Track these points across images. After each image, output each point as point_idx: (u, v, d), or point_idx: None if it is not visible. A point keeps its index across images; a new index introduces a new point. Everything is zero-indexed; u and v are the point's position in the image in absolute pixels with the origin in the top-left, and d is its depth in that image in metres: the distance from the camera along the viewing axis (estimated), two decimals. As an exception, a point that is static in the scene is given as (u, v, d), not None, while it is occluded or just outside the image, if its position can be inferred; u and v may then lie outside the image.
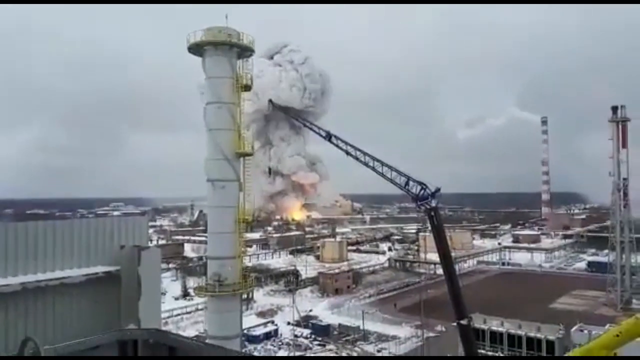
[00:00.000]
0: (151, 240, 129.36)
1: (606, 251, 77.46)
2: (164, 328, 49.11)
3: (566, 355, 35.61)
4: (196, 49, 35.04)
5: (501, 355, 42.01)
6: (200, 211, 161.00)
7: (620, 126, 66.13)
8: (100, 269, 10.07)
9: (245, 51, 35.86)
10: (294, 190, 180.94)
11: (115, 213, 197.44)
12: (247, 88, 36.30)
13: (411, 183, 35.40)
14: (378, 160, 37.58)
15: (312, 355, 52.22)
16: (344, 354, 51.81)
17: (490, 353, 42.31)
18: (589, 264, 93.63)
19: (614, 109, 66.72)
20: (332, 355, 51.91)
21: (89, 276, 9.85)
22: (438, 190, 34.86)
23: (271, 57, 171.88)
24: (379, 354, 51.40)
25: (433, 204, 34.90)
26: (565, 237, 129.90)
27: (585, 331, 38.05)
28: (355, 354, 51.54)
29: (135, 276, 9.81)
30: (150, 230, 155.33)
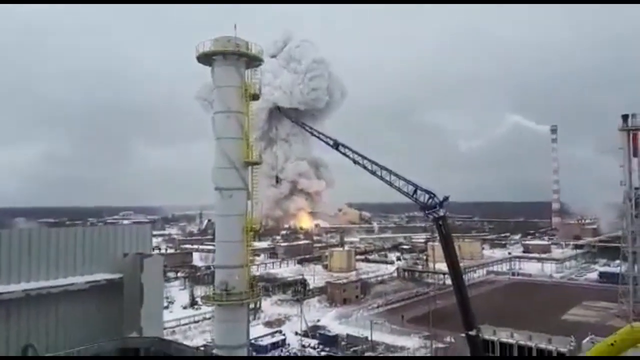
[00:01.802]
0: (160, 249, 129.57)
1: (618, 261, 76.41)
2: (171, 337, 48.93)
3: None
4: (205, 58, 35.27)
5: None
6: (209, 220, 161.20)
7: (631, 135, 65.46)
8: (103, 276, 10.04)
9: (253, 60, 36.05)
10: (300, 195, 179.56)
11: (125, 222, 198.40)
12: (256, 97, 36.43)
13: (419, 192, 35.23)
14: (385, 169, 37.44)
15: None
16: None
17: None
18: (601, 274, 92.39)
19: (624, 117, 66.10)
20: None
21: (91, 283, 9.82)
22: (446, 198, 34.67)
23: (274, 56, 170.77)
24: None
25: (441, 212, 34.69)
26: (576, 247, 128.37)
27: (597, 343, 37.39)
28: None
29: (138, 284, 9.76)
30: (159, 239, 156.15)
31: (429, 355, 50.58)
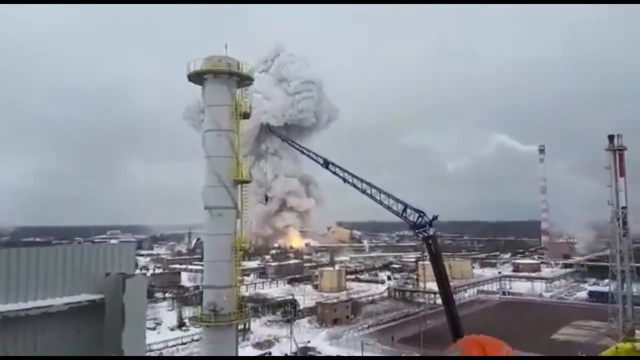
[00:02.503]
0: (148, 269, 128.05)
1: (607, 280, 76.58)
2: None
3: None
4: (196, 77, 35.44)
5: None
6: (198, 239, 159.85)
7: (617, 155, 66.23)
8: (84, 297, 9.74)
9: (244, 80, 36.26)
10: (289, 212, 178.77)
11: (112, 241, 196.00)
12: (246, 116, 36.57)
13: (409, 210, 35.23)
14: (375, 187, 37.49)
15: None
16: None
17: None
18: (590, 293, 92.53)
19: (611, 137, 66.95)
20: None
21: (71, 305, 9.51)
22: (435, 217, 34.69)
23: (263, 70, 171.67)
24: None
25: (431, 232, 34.66)
26: (566, 266, 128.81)
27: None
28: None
29: (120, 305, 9.48)
30: (147, 259, 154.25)
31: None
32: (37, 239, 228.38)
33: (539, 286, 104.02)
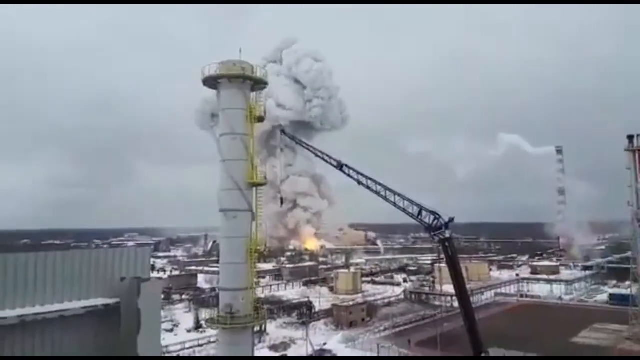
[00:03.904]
0: (165, 271, 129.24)
1: (628, 283, 75.14)
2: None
3: None
4: (211, 82, 35.75)
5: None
6: (214, 241, 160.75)
7: (637, 155, 65.01)
8: (100, 301, 9.84)
9: (258, 84, 36.48)
10: (302, 212, 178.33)
11: (130, 243, 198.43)
12: (261, 119, 36.81)
13: (424, 213, 34.96)
14: (390, 190, 37.26)
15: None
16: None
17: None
18: (611, 296, 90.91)
19: (630, 137, 65.73)
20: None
21: (88, 309, 9.61)
22: (452, 220, 34.37)
23: (275, 61, 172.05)
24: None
25: (447, 234, 34.36)
26: (585, 268, 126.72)
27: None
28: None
29: (135, 309, 9.54)
30: (165, 261, 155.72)
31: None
32: (57, 242, 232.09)
33: (558, 289, 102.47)
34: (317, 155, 44.07)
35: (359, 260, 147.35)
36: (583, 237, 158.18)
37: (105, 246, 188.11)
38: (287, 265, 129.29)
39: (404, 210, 36.02)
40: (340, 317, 77.68)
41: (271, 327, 73.64)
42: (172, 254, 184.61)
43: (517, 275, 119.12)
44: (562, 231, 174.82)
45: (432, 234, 34.75)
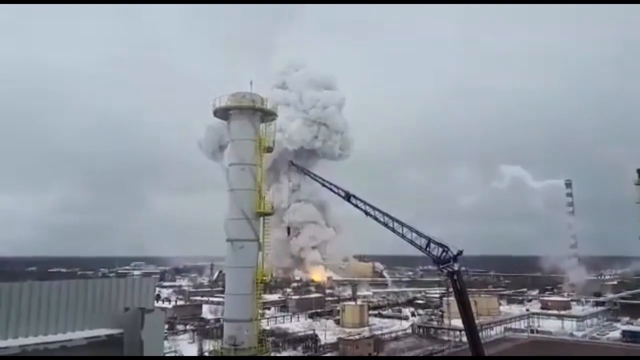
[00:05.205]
0: (170, 301, 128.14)
1: (642, 320, 73.49)
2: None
3: None
4: (222, 113, 36.30)
5: None
6: (220, 271, 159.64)
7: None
8: (103, 331, 9.67)
9: (268, 115, 36.95)
10: (306, 239, 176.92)
11: (136, 272, 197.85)
12: (270, 150, 37.11)
13: (432, 245, 34.61)
14: (397, 221, 37.03)
15: None
16: None
17: None
18: (624, 333, 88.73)
19: (639, 171, 65.55)
20: None
21: (90, 339, 9.44)
22: (460, 252, 33.98)
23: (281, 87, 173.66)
24: None
25: (455, 267, 33.90)
26: (597, 304, 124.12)
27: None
28: None
29: (138, 341, 9.36)
30: (170, 290, 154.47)
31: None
32: (63, 270, 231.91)
33: (570, 325, 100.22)
34: (324, 186, 44.06)
35: (366, 293, 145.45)
36: (593, 272, 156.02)
37: (111, 274, 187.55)
38: (293, 297, 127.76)
39: (411, 242, 35.71)
40: (346, 351, 76.16)
41: (276, 360, 72.27)
42: (177, 283, 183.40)
43: (527, 310, 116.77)
44: (572, 265, 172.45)
45: (441, 266, 34.33)
